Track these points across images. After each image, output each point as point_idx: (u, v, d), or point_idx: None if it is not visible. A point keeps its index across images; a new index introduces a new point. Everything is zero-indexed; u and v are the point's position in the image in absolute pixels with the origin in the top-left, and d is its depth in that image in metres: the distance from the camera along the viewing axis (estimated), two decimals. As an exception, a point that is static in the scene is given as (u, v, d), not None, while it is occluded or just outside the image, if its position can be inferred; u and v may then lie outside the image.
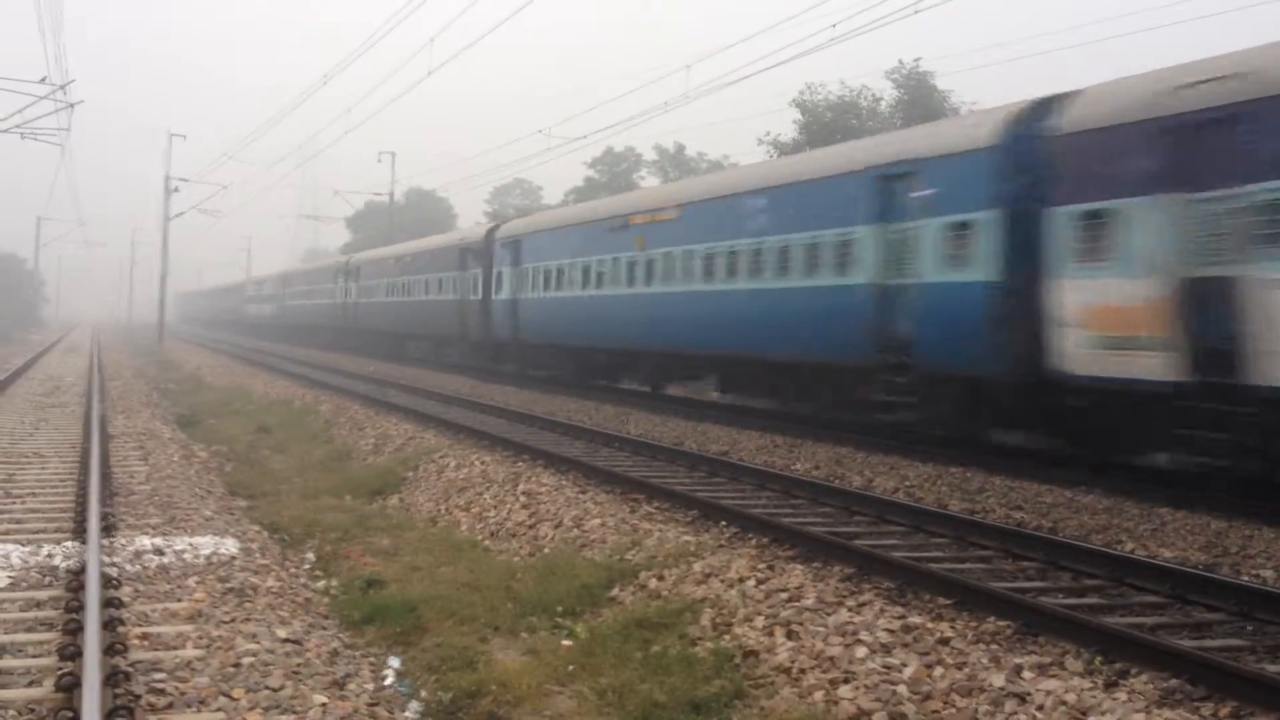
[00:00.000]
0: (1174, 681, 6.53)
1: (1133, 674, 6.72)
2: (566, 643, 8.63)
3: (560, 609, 9.38)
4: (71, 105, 34.02)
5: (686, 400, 25.19)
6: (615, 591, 9.68)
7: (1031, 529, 11.04)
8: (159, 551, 9.87)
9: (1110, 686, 6.59)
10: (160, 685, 6.46)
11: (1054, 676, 6.78)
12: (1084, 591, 8.77)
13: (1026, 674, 6.84)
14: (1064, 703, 6.39)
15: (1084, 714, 6.27)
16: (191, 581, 8.92)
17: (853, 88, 43.90)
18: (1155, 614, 8.10)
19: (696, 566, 9.74)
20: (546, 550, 11.53)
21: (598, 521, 11.88)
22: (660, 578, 9.70)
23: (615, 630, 8.59)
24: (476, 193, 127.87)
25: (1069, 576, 9.17)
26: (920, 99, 41.93)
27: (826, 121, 42.44)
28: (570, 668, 8.07)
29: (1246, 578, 9.21)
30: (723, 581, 9.26)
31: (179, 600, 8.40)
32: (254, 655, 7.12)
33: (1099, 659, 6.98)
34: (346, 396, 27.07)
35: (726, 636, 8.21)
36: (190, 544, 10.28)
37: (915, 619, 7.92)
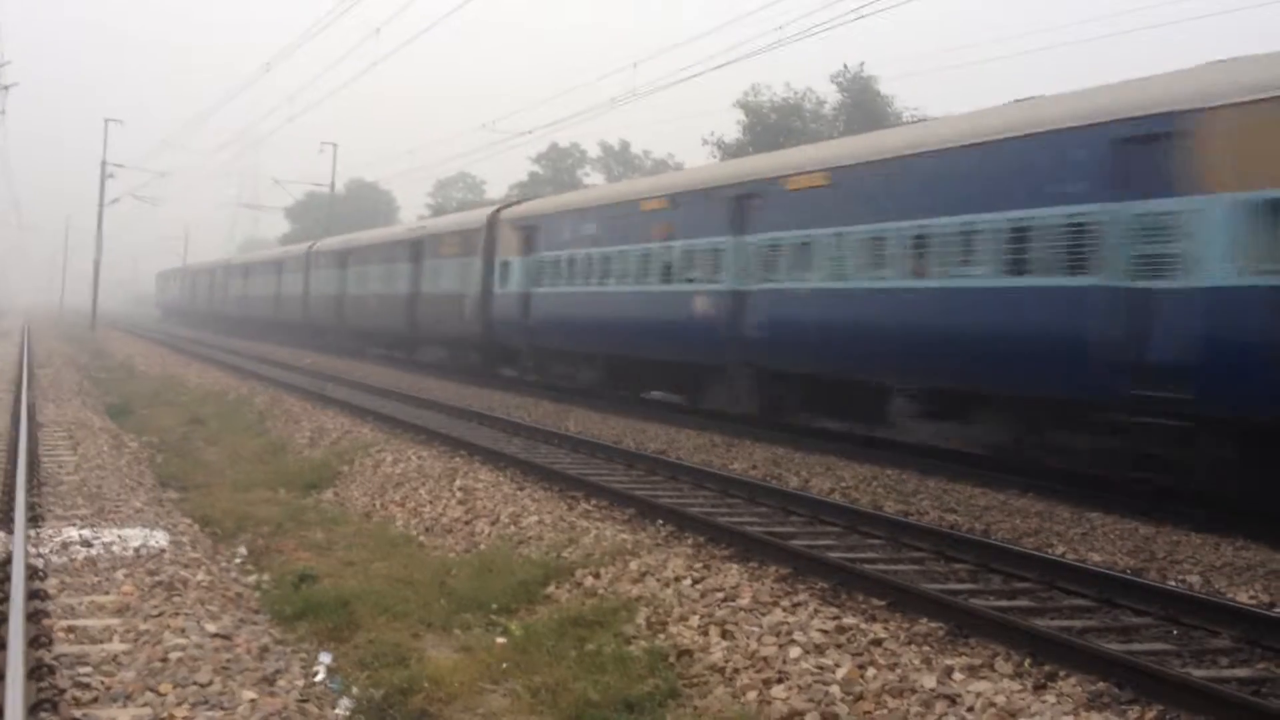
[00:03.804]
0: (1102, 684, 6.62)
1: (1062, 676, 6.81)
2: (500, 640, 8.59)
3: (495, 606, 9.33)
4: (6, 87, 33.40)
5: (626, 398, 25.09)
6: (551, 589, 9.65)
7: (964, 531, 11.15)
8: (87, 543, 9.71)
9: (1039, 689, 6.67)
10: (86, 679, 6.36)
11: (984, 678, 6.85)
12: (1015, 594, 8.87)
13: (957, 675, 6.90)
14: (994, 704, 6.46)
15: (1013, 716, 6.34)
16: (120, 574, 8.78)
17: (797, 90, 44.23)
18: (1084, 617, 8.21)
19: (633, 565, 9.74)
20: (482, 547, 11.47)
21: (535, 519, 11.84)
22: (596, 575, 9.68)
23: (550, 628, 8.56)
24: (420, 186, 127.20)
25: (1000, 579, 9.28)
26: (864, 103, 42.29)
27: (771, 123, 42.68)
28: (504, 665, 8.03)
29: (1173, 583, 9.36)
30: (659, 580, 9.27)
31: (106, 593, 8.27)
32: (182, 650, 7.02)
33: (1029, 661, 7.07)
34: (281, 389, 26.79)
35: (661, 635, 8.20)
36: (119, 536, 10.12)
37: (849, 619, 7.97)
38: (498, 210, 30.96)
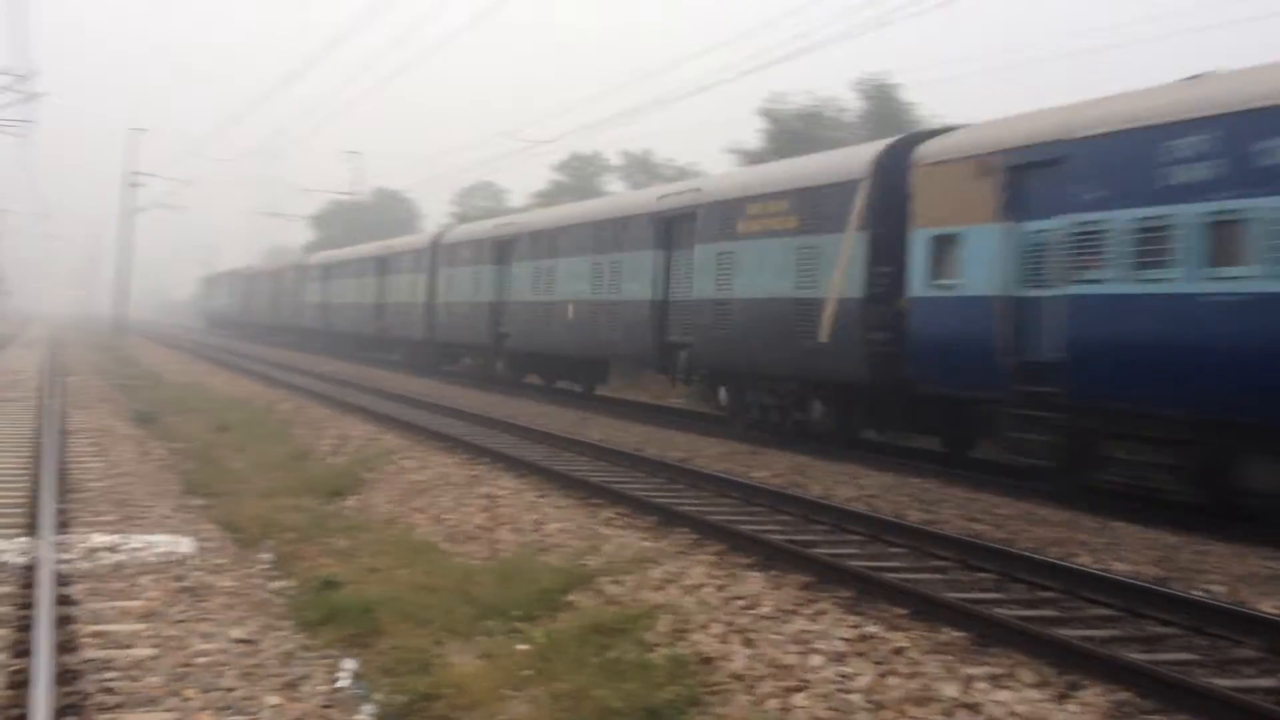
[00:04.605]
0: (1125, 694, 6.60)
1: (1085, 686, 6.78)
2: (523, 647, 8.60)
3: (517, 613, 9.34)
4: (35, 96, 33.70)
5: (647, 405, 25.07)
6: (573, 596, 9.66)
7: (988, 540, 11.11)
8: (113, 549, 9.79)
9: (1062, 699, 6.65)
10: (112, 684, 6.41)
11: (1007, 688, 6.83)
12: (1038, 603, 8.83)
13: (980, 685, 6.89)
14: (1016, 714, 6.44)
15: (1036, 725, 6.32)
16: (146, 580, 8.85)
17: (819, 98, 44.13)
18: (1108, 627, 8.18)
19: (655, 573, 9.75)
20: (505, 554, 11.50)
21: (557, 526, 11.87)
22: (618, 583, 9.69)
23: (572, 635, 8.58)
24: (441, 194, 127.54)
25: (1024, 588, 9.24)
26: (886, 111, 42.20)
27: (794, 131, 42.61)
28: (526, 672, 8.04)
29: (1198, 592, 9.30)
30: (681, 588, 9.28)
31: (132, 599, 8.34)
32: (207, 655, 7.08)
33: (1052, 671, 7.04)
34: (307, 396, 26.92)
35: (683, 643, 8.21)
36: (145, 542, 10.20)
37: (871, 628, 7.96)
38: (909, 142, 17.16)
